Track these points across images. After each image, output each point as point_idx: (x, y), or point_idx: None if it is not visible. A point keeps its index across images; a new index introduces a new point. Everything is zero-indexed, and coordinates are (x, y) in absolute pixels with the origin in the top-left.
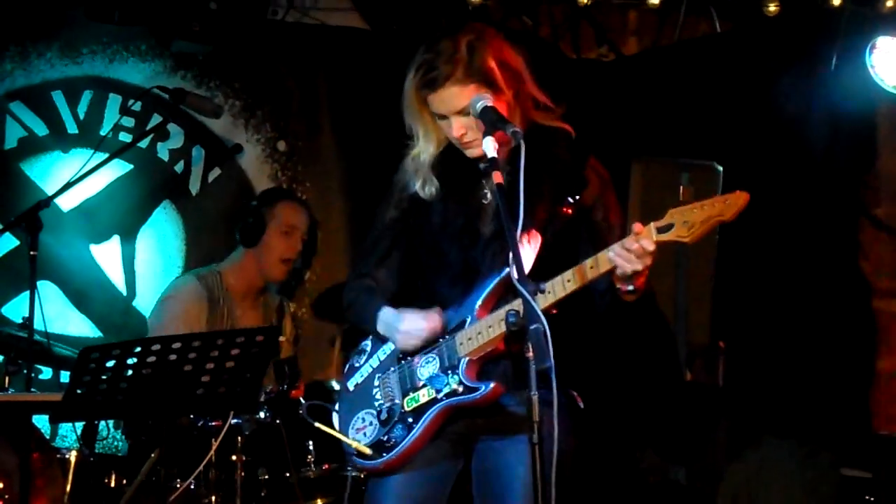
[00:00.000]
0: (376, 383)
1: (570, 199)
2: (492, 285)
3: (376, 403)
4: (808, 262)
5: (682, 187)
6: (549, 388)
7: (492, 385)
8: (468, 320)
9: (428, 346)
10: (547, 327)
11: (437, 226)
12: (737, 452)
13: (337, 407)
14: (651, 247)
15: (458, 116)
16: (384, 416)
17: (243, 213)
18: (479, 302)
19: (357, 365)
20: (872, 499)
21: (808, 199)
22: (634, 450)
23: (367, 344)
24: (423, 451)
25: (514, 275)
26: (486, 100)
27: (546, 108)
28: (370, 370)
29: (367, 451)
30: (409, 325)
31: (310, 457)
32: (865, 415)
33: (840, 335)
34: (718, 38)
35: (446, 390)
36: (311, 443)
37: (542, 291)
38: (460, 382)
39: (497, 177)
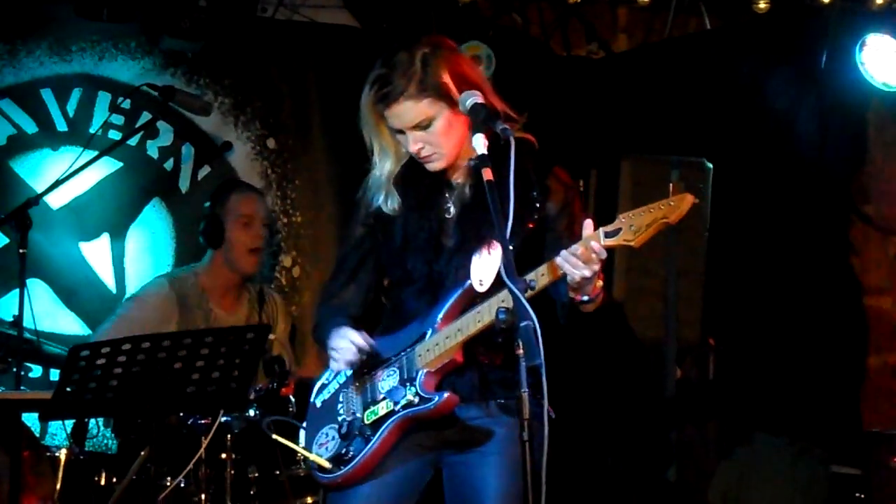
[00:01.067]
0: (341, 399)
1: (535, 215)
2: (454, 298)
3: (339, 418)
4: (799, 259)
5: (671, 184)
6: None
7: (445, 395)
8: (428, 333)
9: (377, 362)
10: (537, 324)
11: (401, 240)
12: (727, 449)
13: (305, 424)
14: (600, 252)
15: (415, 131)
16: (344, 430)
17: (202, 216)
18: (441, 314)
19: (326, 382)
20: (862, 496)
21: (798, 196)
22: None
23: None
24: (387, 463)
25: (503, 271)
26: (476, 97)
27: (508, 118)
28: (337, 387)
29: (326, 464)
30: (336, 342)
31: (299, 455)
32: (856, 412)
33: (830, 332)
34: (708, 35)
35: (403, 402)
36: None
37: (532, 289)
38: (416, 394)
39: (487, 173)
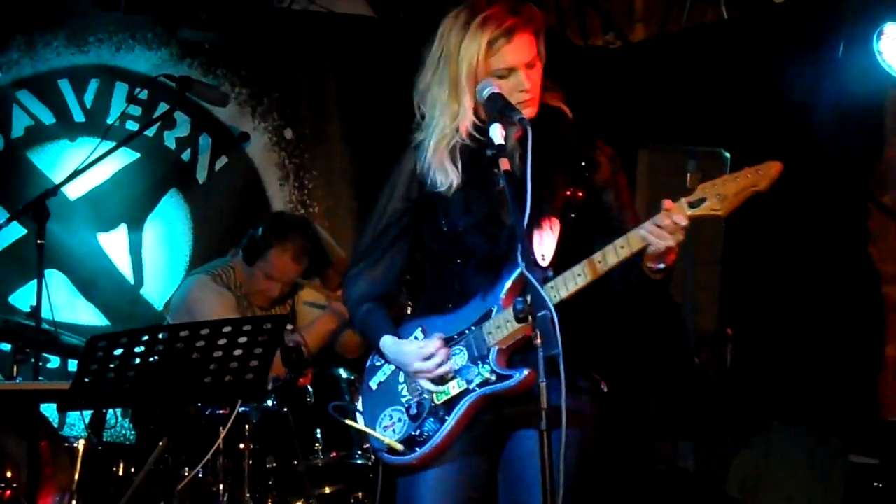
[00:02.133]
0: (401, 380)
1: (584, 185)
2: (516, 274)
3: (403, 400)
4: (816, 248)
5: (689, 174)
6: (572, 374)
7: (526, 372)
8: (494, 310)
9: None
10: (555, 314)
11: (460, 217)
12: (745, 439)
13: (360, 406)
14: (684, 221)
15: (526, 70)
16: (413, 411)
17: (251, 242)
18: (504, 291)
19: (377, 364)
20: (880, 485)
21: (815, 186)
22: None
23: None
24: (456, 445)
25: (521, 261)
26: (493, 86)
27: (552, 87)
28: (393, 367)
29: (399, 446)
30: (416, 366)
31: (317, 445)
32: (873, 401)
33: (848, 322)
34: (725, 25)
35: (478, 380)
36: (318, 431)
37: (551, 278)
38: (492, 371)
39: (504, 163)
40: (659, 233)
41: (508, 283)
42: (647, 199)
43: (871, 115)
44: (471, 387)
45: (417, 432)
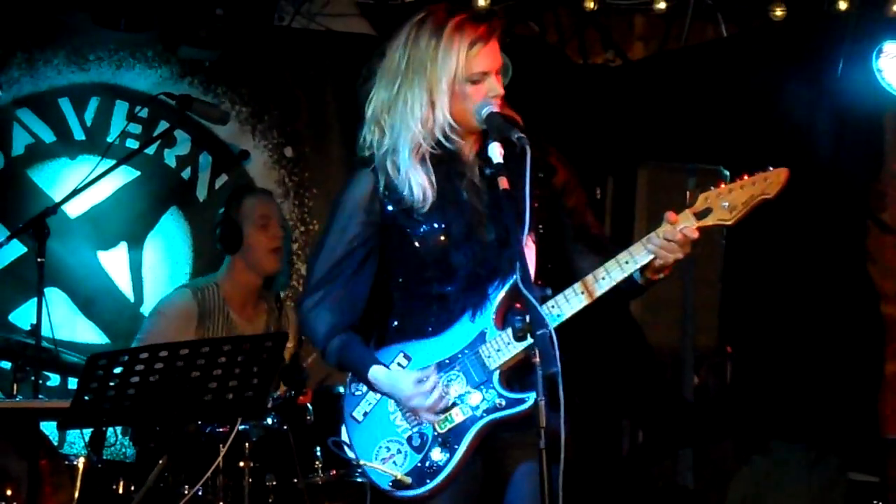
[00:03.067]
0: (391, 409)
1: (546, 192)
2: (501, 292)
3: (399, 430)
4: (816, 266)
5: (688, 191)
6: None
7: (536, 394)
8: (487, 331)
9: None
10: (553, 332)
11: (441, 235)
12: (745, 456)
13: (345, 438)
14: (695, 234)
15: (498, 76)
16: (416, 441)
17: (218, 224)
18: (494, 310)
19: (356, 392)
20: (880, 503)
21: (815, 204)
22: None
23: None
24: (463, 473)
25: (519, 280)
26: (491, 106)
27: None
28: (378, 397)
29: (408, 479)
30: (416, 401)
31: (317, 463)
32: (873, 419)
33: (847, 339)
34: (725, 43)
35: (485, 406)
36: (318, 449)
37: (549, 297)
38: (500, 396)
39: (503, 182)
40: (670, 247)
41: (496, 302)
42: (646, 216)
43: (870, 132)
44: (478, 413)
45: (426, 464)
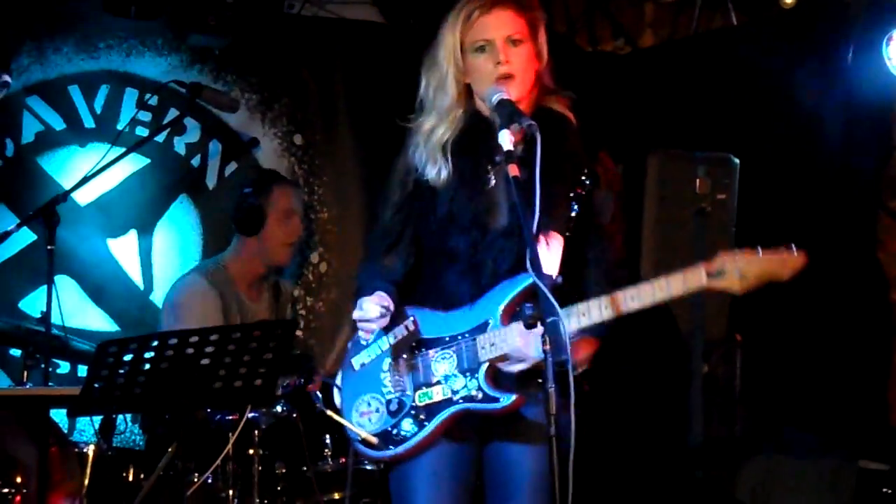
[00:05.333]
0: (385, 368)
1: (583, 198)
2: (516, 290)
3: (384, 390)
4: (825, 254)
5: (698, 179)
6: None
7: (513, 397)
8: (491, 323)
9: (426, 340)
10: (564, 321)
11: (445, 214)
12: (755, 445)
13: (339, 382)
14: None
15: (506, 44)
16: (393, 406)
17: (241, 204)
18: (503, 306)
19: (364, 343)
20: (890, 491)
21: (824, 191)
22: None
23: None
24: (430, 451)
25: (529, 267)
26: (502, 92)
27: (559, 92)
28: (378, 351)
29: (374, 440)
30: (364, 311)
31: (327, 451)
32: (883, 407)
33: (857, 328)
34: (734, 31)
35: (463, 393)
36: (328, 436)
37: (560, 285)
38: (479, 388)
39: (513, 169)
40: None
41: (507, 299)
42: (656, 204)
43: (879, 120)
44: (455, 398)
45: (394, 431)
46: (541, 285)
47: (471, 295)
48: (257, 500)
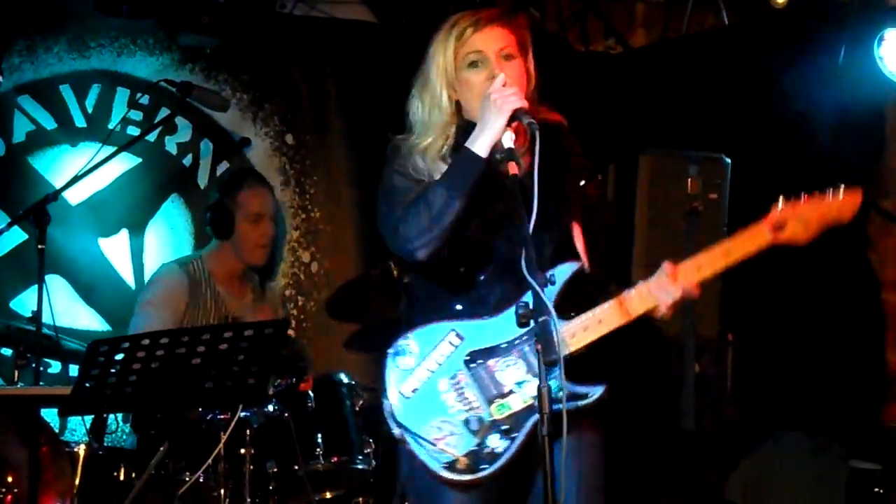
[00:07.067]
0: (443, 388)
1: (588, 193)
2: (563, 282)
3: (452, 411)
4: (817, 254)
5: (689, 179)
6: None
7: (602, 388)
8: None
9: (482, 351)
10: (556, 319)
11: (470, 219)
12: (747, 445)
13: (396, 413)
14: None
15: (500, 59)
16: (474, 426)
17: (210, 208)
18: (553, 301)
19: (405, 368)
20: (881, 491)
21: (816, 191)
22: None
23: (410, 344)
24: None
25: (524, 265)
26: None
27: (551, 108)
28: (428, 374)
29: (466, 461)
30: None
31: (318, 450)
32: (874, 407)
33: (849, 327)
34: (726, 31)
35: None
36: (319, 435)
37: (553, 283)
38: (560, 388)
39: (512, 167)
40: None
41: (556, 293)
42: (647, 204)
43: (871, 120)
44: (536, 402)
45: (483, 449)
46: (534, 284)
47: (512, 294)
48: (249, 500)
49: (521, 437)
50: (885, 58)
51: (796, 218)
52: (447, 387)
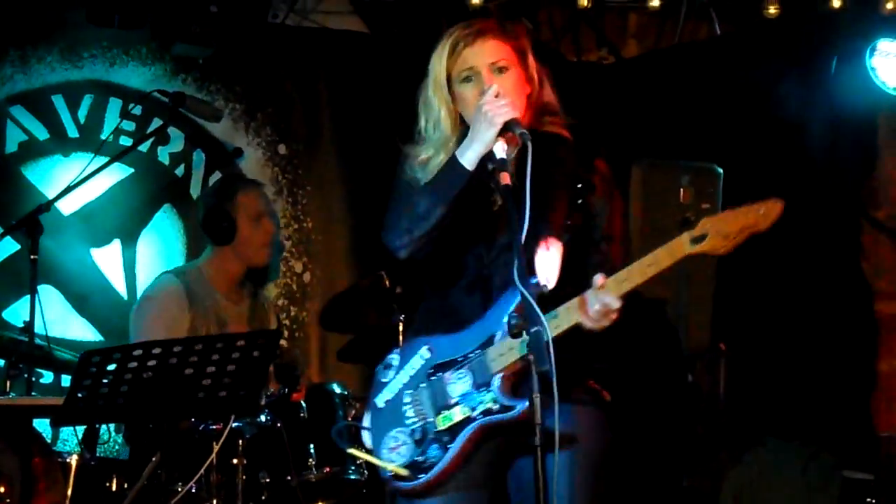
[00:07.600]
0: (406, 400)
1: (581, 211)
2: (518, 298)
3: (408, 422)
4: (809, 264)
5: (682, 189)
6: (579, 388)
7: (528, 403)
8: (497, 335)
9: (442, 364)
10: (548, 329)
11: (451, 232)
12: (739, 454)
13: (367, 423)
14: (616, 304)
15: (491, 72)
16: (418, 435)
17: (209, 215)
18: (507, 315)
19: (384, 380)
20: (874, 501)
21: (808, 202)
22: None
23: (394, 358)
24: (460, 475)
25: (516, 276)
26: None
27: (552, 114)
28: (400, 386)
29: (404, 472)
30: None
31: (311, 460)
32: (867, 417)
33: (841, 337)
34: (718, 41)
35: (481, 408)
36: (312, 446)
37: (546, 292)
38: (495, 401)
39: (505, 177)
40: (594, 319)
41: (512, 307)
42: (640, 214)
43: (863, 130)
44: (474, 414)
45: (422, 458)
46: (526, 294)
47: (480, 310)
48: None
49: (455, 446)
50: (878, 68)
51: (716, 229)
52: (409, 399)
